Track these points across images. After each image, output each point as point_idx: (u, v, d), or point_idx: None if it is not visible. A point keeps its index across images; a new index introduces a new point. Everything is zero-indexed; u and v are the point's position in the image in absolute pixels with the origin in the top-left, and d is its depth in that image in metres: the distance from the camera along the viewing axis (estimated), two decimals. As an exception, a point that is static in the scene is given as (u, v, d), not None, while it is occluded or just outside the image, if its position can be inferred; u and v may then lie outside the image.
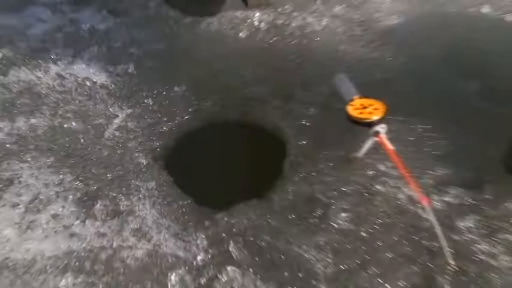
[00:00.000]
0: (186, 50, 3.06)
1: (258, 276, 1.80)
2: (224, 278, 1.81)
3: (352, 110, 2.20)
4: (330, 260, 1.85)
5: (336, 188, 2.11)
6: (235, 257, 1.88)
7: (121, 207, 2.10)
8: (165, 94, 2.72)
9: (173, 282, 1.81)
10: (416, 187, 1.91)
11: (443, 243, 1.80)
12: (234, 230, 1.99)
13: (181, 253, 1.91)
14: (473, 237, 1.88)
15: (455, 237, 1.88)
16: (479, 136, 2.28)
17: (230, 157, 2.38)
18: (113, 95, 2.73)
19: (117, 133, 2.48)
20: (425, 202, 1.85)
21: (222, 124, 2.58)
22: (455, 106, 2.49)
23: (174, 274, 1.84)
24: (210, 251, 1.91)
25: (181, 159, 2.41)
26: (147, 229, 2.01)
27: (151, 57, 3.01)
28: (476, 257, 1.82)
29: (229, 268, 1.84)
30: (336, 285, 1.76)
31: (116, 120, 2.55)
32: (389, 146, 2.12)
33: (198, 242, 1.95)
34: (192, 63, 2.94)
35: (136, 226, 2.02)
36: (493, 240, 1.86)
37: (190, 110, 2.62)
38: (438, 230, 1.81)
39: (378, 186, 2.10)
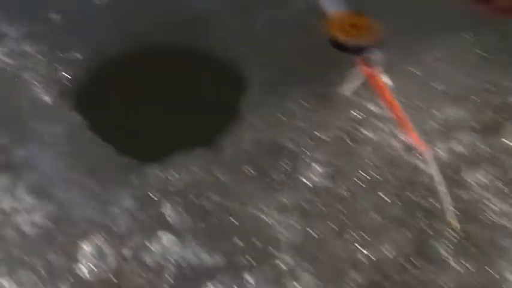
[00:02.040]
0: None
1: (202, 245, 1.96)
2: (156, 248, 1.96)
3: (336, 29, 2.36)
4: (297, 225, 2.01)
5: (309, 134, 2.27)
6: (171, 222, 2.03)
7: (14, 158, 2.23)
8: (79, 7, 2.83)
9: (86, 253, 1.95)
10: (411, 130, 2.11)
11: (446, 200, 2.01)
12: (171, 188, 2.13)
13: (97, 217, 2.05)
14: (484, 194, 2.10)
15: (463, 195, 2.09)
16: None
17: (166, 93, 2.51)
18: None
19: (6, 59, 2.59)
20: (422, 147, 2.06)
21: (157, 50, 2.71)
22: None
23: (87, 244, 1.97)
24: (138, 214, 2.06)
25: (99, 97, 2.53)
26: (51, 187, 2.14)
27: None
28: (487, 218, 2.03)
29: (162, 236, 1.99)
30: (302, 255, 1.94)
31: (6, 41, 2.66)
32: (382, 79, 2.30)
33: (122, 203, 2.09)
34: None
35: (35, 183, 2.15)
36: (510, 197, 2.09)
37: (113, 29, 2.74)
38: (440, 184, 2.02)
39: (365, 132, 2.27)
